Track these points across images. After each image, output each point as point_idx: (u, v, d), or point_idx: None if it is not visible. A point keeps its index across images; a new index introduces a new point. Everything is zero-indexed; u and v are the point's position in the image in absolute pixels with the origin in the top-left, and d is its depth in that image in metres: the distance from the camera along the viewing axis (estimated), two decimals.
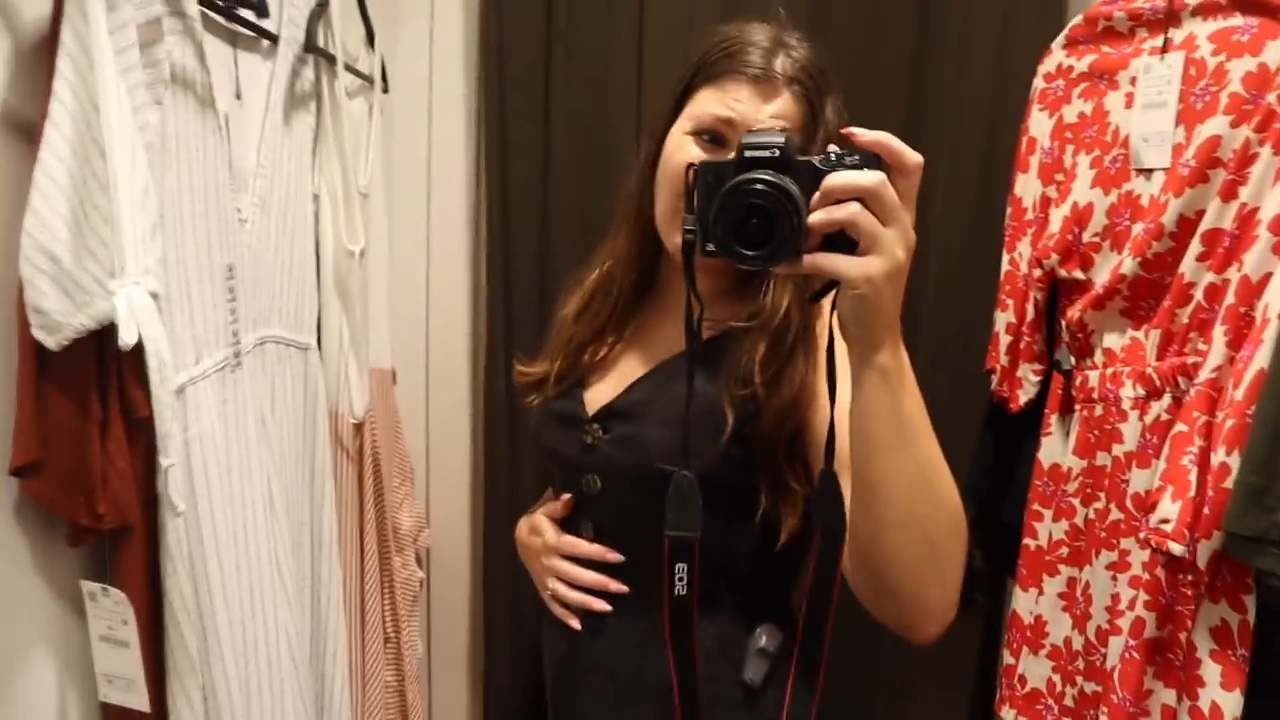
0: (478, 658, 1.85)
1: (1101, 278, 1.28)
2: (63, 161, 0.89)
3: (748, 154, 0.71)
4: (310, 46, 1.33)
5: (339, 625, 1.35)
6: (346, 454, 1.39)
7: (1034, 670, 1.34)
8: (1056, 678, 1.31)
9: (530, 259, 1.74)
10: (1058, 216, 1.36)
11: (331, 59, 1.40)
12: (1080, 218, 1.32)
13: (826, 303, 0.77)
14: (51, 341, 0.88)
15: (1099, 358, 1.29)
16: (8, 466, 0.93)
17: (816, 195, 0.69)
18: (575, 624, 1.08)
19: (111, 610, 1.00)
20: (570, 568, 1.08)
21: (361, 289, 1.43)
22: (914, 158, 0.70)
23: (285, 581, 1.20)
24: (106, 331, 0.93)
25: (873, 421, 0.73)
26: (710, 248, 0.72)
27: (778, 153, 0.71)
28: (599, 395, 1.08)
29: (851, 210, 0.67)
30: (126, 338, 0.85)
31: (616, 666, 1.05)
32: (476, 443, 1.82)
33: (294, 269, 1.30)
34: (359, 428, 1.41)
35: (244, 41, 1.24)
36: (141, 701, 1.01)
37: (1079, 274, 1.32)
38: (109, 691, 1.03)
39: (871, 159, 0.70)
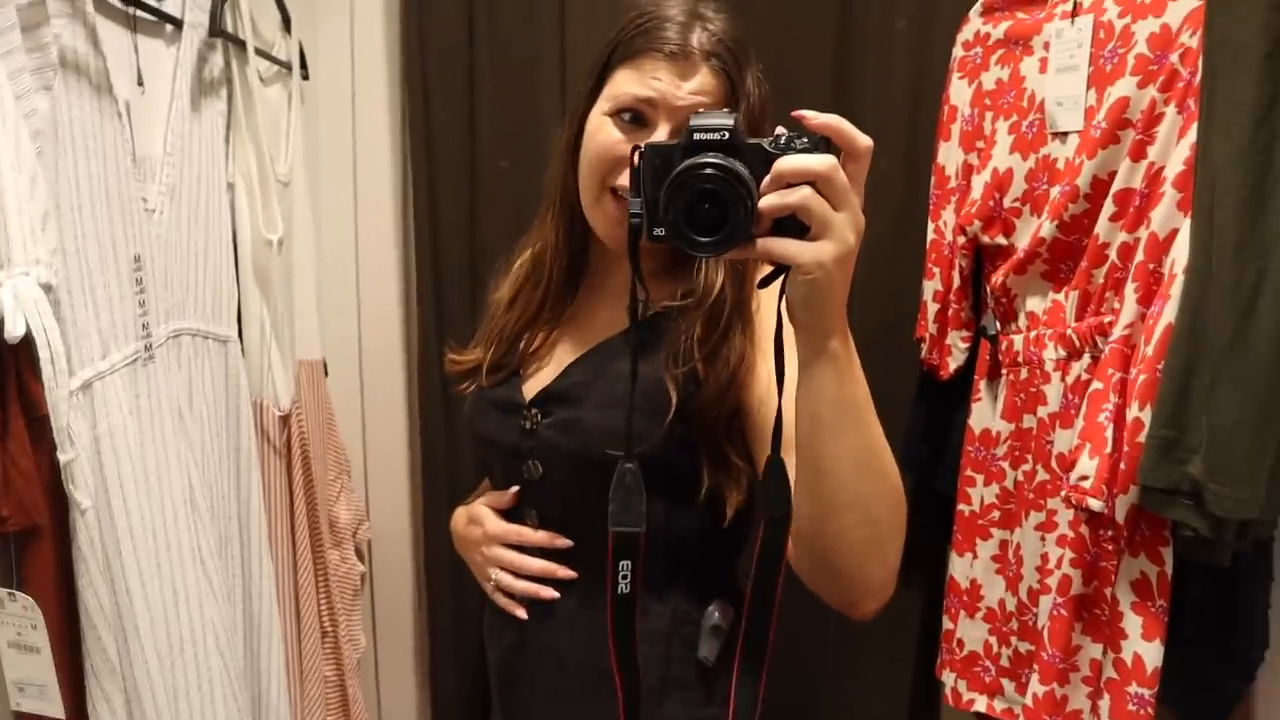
0: (423, 649, 1.83)
1: (1023, 242, 1.29)
2: None
3: (697, 137, 0.69)
4: (217, 31, 1.30)
5: (273, 621, 1.32)
6: (273, 447, 1.36)
7: (971, 633, 1.35)
8: (993, 639, 1.32)
9: (460, 246, 1.72)
10: (979, 183, 1.37)
11: (241, 44, 1.36)
12: (1000, 183, 1.33)
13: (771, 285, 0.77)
14: None
15: (1023, 321, 1.30)
16: None
17: (767, 179, 0.68)
18: (521, 613, 1.06)
19: (19, 615, 0.97)
20: (515, 556, 1.06)
21: (283, 278, 1.40)
22: (864, 141, 0.69)
23: (211, 578, 1.17)
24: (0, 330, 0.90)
25: (821, 406, 0.73)
26: (660, 233, 0.71)
27: (727, 135, 0.69)
28: (537, 381, 1.07)
29: (803, 195, 0.66)
30: (13, 329, 0.82)
31: (565, 654, 1.03)
32: (414, 433, 1.79)
33: (209, 259, 1.26)
34: (285, 420, 1.39)
35: (144, 26, 1.20)
36: (55, 709, 0.99)
37: (1001, 239, 1.33)
38: (21, 700, 1.00)
39: (821, 142, 0.69)
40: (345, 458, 1.71)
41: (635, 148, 0.75)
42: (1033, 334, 1.26)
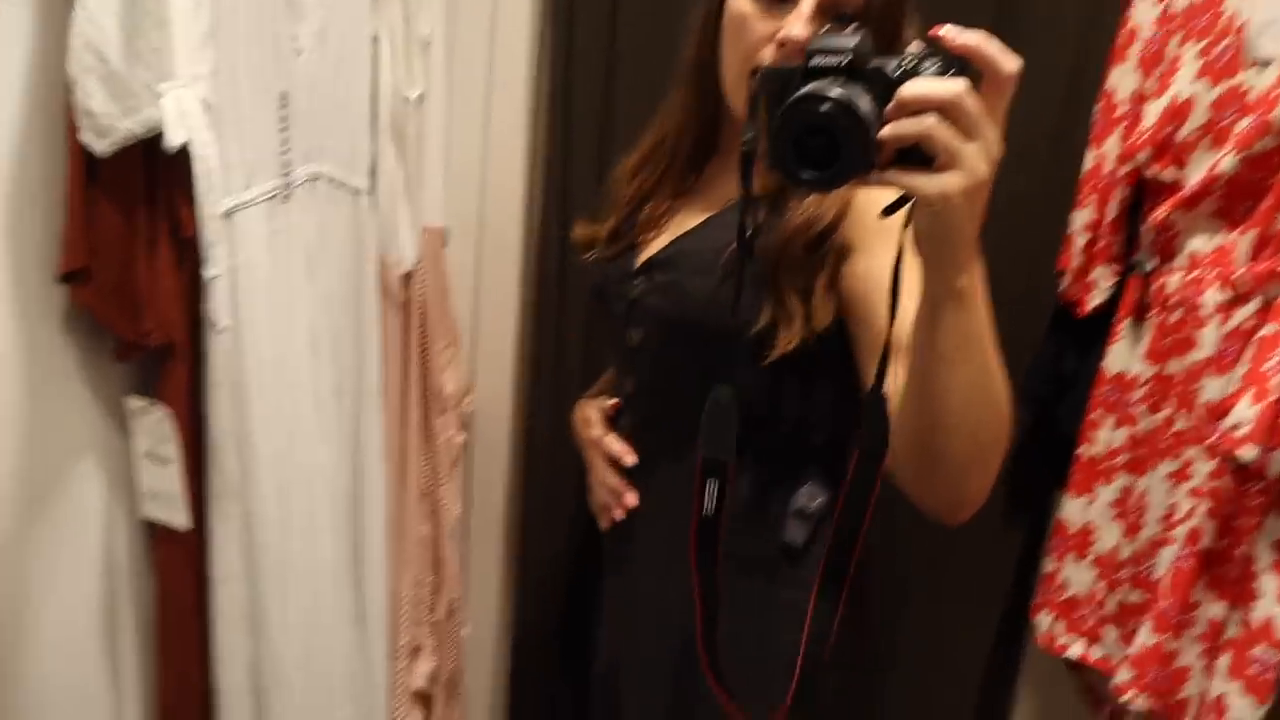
0: (513, 523, 1.86)
1: (1195, 176, 1.19)
2: None
3: (815, 61, 0.65)
4: None
5: (378, 473, 1.36)
6: (393, 304, 1.38)
7: (1076, 577, 1.31)
8: (1100, 586, 1.27)
9: (591, 127, 1.69)
10: (1153, 110, 1.27)
11: None
12: (1178, 112, 1.23)
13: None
14: (100, 146, 0.87)
15: (1182, 261, 1.21)
16: (56, 273, 0.93)
17: (891, 105, 0.63)
18: (603, 523, 1.15)
19: (154, 427, 1.01)
20: (601, 469, 1.12)
21: (417, 138, 1.39)
22: (1009, 66, 0.63)
23: (325, 422, 1.20)
24: (156, 149, 0.91)
25: (941, 338, 0.70)
26: (772, 165, 0.67)
27: (847, 60, 0.65)
28: (649, 251, 1.07)
29: (926, 125, 0.61)
30: (174, 138, 0.83)
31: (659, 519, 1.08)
32: (525, 312, 1.80)
33: (349, 108, 1.26)
34: (407, 279, 1.40)
35: None
36: (182, 518, 1.03)
37: (1170, 173, 1.24)
38: (151, 507, 1.05)
39: (957, 62, 0.63)
40: (457, 329, 1.73)
41: (753, 70, 0.71)
42: (1192, 275, 1.18)
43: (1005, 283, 1.50)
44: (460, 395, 1.71)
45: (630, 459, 1.09)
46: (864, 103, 0.63)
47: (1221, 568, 1.04)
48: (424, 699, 1.58)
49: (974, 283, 0.69)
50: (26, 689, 0.98)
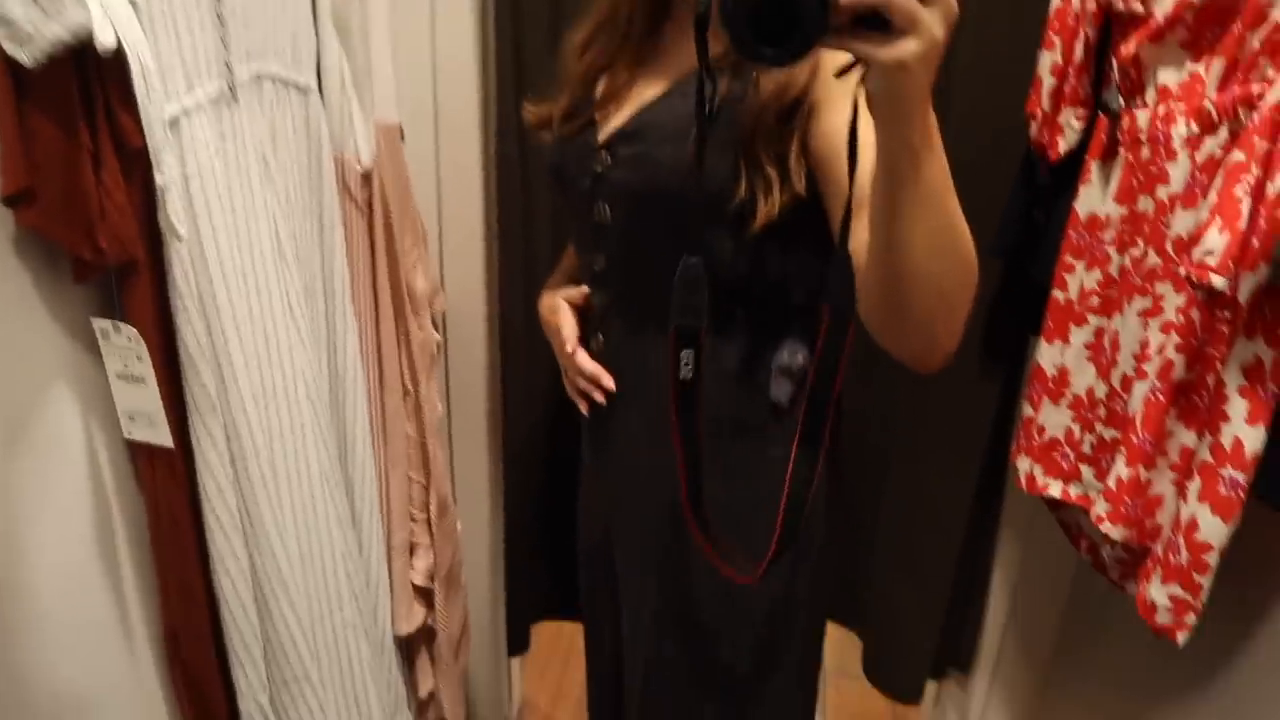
0: (496, 416, 1.88)
1: (1164, 7, 1.17)
2: None
3: None
4: None
5: (357, 375, 1.35)
6: (355, 204, 1.34)
7: (1053, 420, 1.34)
8: (1076, 426, 1.31)
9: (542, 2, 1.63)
10: None
11: None
12: None
13: None
14: (25, 55, 0.82)
15: (1151, 96, 1.20)
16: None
17: None
18: (584, 410, 1.17)
19: (125, 347, 0.99)
20: (579, 360, 1.14)
21: (362, 27, 1.33)
22: None
23: (299, 326, 1.18)
24: (90, 57, 0.87)
25: (898, 190, 0.71)
26: (730, 43, 0.66)
27: None
28: (612, 125, 1.04)
29: None
30: (104, 39, 0.78)
31: (638, 394, 1.10)
32: (489, 203, 1.76)
33: (288, 2, 1.20)
34: (367, 178, 1.36)
35: None
36: (164, 437, 1.02)
37: (1137, 5, 1.21)
38: (132, 429, 1.04)
39: None
40: (422, 227, 1.69)
41: None
42: (1161, 109, 1.17)
43: (975, 130, 1.51)
44: (431, 293, 1.69)
45: (607, 381, 1.12)
46: None
47: (1192, 397, 1.06)
48: (425, 594, 1.62)
49: (929, 139, 0.69)
50: (29, 623, 0.98)
